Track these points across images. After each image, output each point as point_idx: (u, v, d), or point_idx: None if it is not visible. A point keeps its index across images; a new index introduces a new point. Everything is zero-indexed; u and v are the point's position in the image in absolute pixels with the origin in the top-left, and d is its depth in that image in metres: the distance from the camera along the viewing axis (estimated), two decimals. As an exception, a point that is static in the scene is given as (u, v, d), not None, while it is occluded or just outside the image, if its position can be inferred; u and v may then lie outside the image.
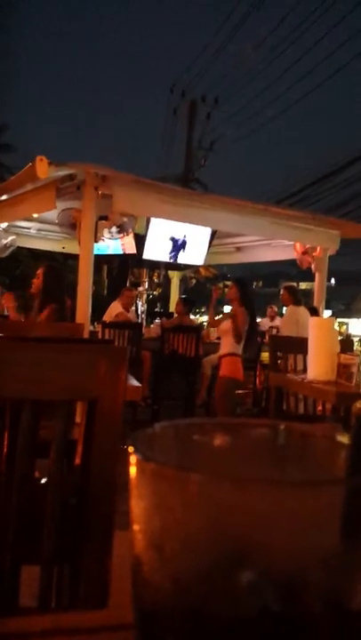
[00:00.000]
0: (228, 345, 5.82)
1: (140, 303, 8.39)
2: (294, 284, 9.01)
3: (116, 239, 7.35)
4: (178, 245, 8.21)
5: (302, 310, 6.85)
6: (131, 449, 0.25)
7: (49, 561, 1.09)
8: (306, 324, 3.76)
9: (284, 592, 0.23)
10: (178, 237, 8.14)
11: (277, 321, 9.11)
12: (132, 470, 0.24)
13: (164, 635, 0.24)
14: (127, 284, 8.85)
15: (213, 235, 8.29)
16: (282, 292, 7.59)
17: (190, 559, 0.23)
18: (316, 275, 7.55)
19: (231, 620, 0.23)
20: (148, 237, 7.77)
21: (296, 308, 6.95)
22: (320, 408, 3.88)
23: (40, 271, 4.80)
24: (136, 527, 0.24)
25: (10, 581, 1.10)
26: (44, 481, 1.28)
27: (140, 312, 8.38)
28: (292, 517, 0.22)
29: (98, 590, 1.05)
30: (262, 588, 0.23)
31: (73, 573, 1.17)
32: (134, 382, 2.39)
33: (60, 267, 5.15)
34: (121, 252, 8.25)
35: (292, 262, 7.97)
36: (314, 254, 7.37)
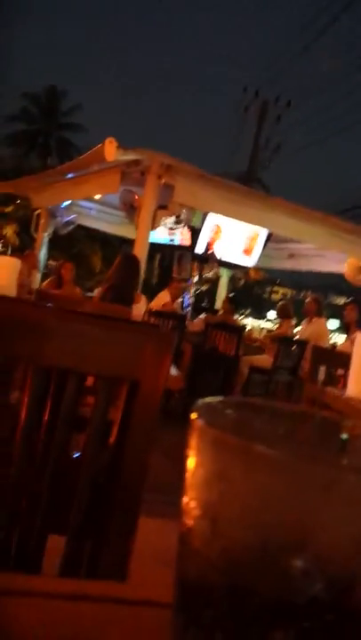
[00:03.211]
0: None
1: (187, 296, 8.40)
2: (343, 298, 8.86)
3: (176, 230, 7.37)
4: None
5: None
6: (194, 415, 0.24)
7: (75, 533, 1.11)
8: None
9: (336, 583, 0.22)
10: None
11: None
12: (194, 437, 0.24)
13: (205, 608, 0.24)
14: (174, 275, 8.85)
15: (269, 237, 8.22)
16: (308, 301, 7.32)
17: (244, 534, 0.22)
18: (369, 291, 7.39)
19: (276, 603, 0.22)
20: (202, 231, 7.76)
21: (320, 319, 6.88)
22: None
23: (116, 261, 4.43)
24: (191, 496, 0.24)
25: (36, 548, 1.12)
26: (76, 456, 1.30)
27: (185, 305, 8.38)
28: (351, 502, 0.21)
29: (118, 566, 1.06)
30: (314, 576, 0.22)
31: (96, 547, 1.18)
32: (175, 372, 2.39)
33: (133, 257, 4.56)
34: (177, 244, 8.27)
35: (343, 276, 7.83)
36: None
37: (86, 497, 1.11)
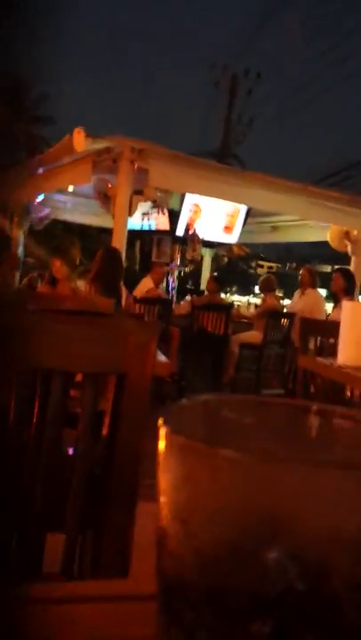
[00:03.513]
0: None
1: (171, 279, 8.39)
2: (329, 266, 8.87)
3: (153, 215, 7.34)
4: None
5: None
6: (160, 421, 0.25)
7: (73, 530, 1.12)
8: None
9: (309, 572, 0.22)
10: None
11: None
12: (161, 443, 0.24)
13: (186, 608, 0.24)
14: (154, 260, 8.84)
15: (248, 212, 8.20)
16: (302, 272, 7.29)
17: (215, 533, 0.23)
18: (353, 258, 7.43)
19: (254, 597, 0.23)
20: (182, 213, 7.73)
21: (315, 290, 6.86)
22: (348, 393, 3.84)
23: (98, 255, 4.61)
24: (162, 499, 0.24)
25: (35, 548, 1.13)
26: (70, 451, 1.30)
27: (170, 288, 8.38)
28: (319, 498, 0.22)
29: (119, 560, 1.07)
30: (287, 567, 0.22)
31: (95, 542, 1.19)
32: (163, 358, 2.40)
33: (114, 251, 4.79)
34: (154, 229, 8.24)
35: (327, 244, 7.84)
36: (351, 237, 7.24)
37: (82, 493, 1.12)
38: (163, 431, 0.24)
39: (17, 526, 1.11)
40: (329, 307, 7.58)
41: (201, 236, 8.17)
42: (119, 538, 1.08)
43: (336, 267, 7.78)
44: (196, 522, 0.23)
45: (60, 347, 1.10)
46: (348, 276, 6.30)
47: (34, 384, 1.18)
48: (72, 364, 1.12)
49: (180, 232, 7.97)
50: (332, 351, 3.77)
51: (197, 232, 8.05)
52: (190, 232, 8.02)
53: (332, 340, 3.84)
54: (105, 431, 1.21)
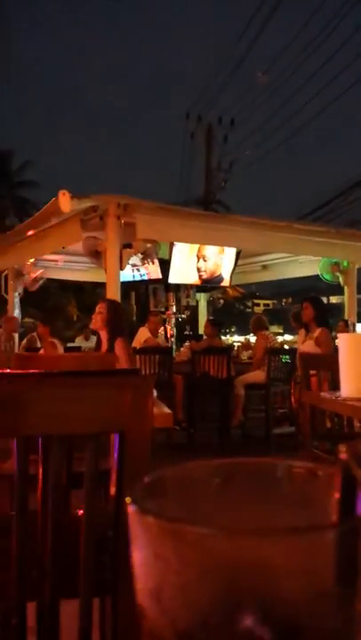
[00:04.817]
0: None
1: (168, 327, 8.42)
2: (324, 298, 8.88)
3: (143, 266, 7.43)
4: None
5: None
6: (128, 500, 0.25)
7: (87, 594, 1.09)
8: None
9: (281, 637, 0.23)
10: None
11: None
12: (130, 521, 0.25)
13: None
14: (152, 309, 8.91)
15: (238, 254, 8.32)
16: (305, 305, 6.76)
17: (188, 608, 0.23)
18: (346, 288, 7.49)
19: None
20: (172, 262, 7.83)
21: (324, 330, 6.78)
22: (358, 425, 3.81)
23: (102, 305, 4.70)
24: (136, 578, 0.25)
25: (49, 618, 1.10)
26: (81, 513, 1.29)
27: (168, 336, 8.40)
28: (284, 564, 0.22)
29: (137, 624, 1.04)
30: (260, 634, 0.23)
31: (112, 606, 1.16)
32: (165, 409, 2.39)
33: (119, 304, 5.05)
34: (146, 279, 8.33)
35: (319, 277, 7.92)
36: (341, 268, 7.32)
37: (91, 554, 1.10)
38: (130, 510, 0.25)
39: (30, 595, 1.09)
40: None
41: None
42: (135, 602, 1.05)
43: (327, 298, 7.73)
44: (168, 598, 0.24)
45: (55, 411, 1.11)
46: (319, 305, 6.06)
47: (34, 450, 1.18)
48: (69, 427, 1.12)
49: (172, 279, 8.05)
50: (336, 384, 3.76)
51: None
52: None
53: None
54: (113, 489, 1.21)
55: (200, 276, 8.21)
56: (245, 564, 0.22)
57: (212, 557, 0.23)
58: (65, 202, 4.95)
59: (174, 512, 0.27)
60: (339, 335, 3.81)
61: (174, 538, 0.23)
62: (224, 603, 0.23)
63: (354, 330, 7.36)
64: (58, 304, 18.34)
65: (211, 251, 7.98)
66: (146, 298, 9.24)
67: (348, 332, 6.18)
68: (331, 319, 7.30)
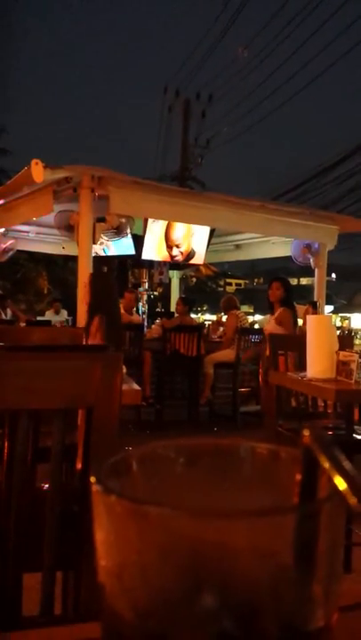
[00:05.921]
0: None
1: (140, 304, 8.39)
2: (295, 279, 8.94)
3: (117, 240, 7.36)
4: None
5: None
6: (93, 479, 0.25)
7: (50, 569, 1.10)
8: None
9: (241, 617, 0.23)
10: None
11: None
12: (94, 500, 0.25)
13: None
14: (128, 286, 8.86)
15: (212, 233, 8.30)
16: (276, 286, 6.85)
17: (148, 588, 0.24)
18: (316, 270, 7.56)
19: (191, 644, 0.24)
20: (146, 238, 7.78)
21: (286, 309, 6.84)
22: (321, 404, 3.89)
23: (87, 280, 4.66)
24: (97, 555, 0.25)
25: (12, 591, 1.11)
26: (47, 487, 1.29)
27: (140, 313, 8.38)
28: (245, 545, 0.23)
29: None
30: (219, 614, 0.23)
31: (75, 581, 1.18)
32: (134, 385, 2.39)
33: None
34: (119, 254, 8.26)
35: (290, 258, 7.97)
36: (312, 250, 7.37)
37: (57, 529, 1.11)
38: (93, 490, 0.25)
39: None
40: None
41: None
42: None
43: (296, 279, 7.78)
44: (129, 577, 0.24)
45: (24, 385, 1.10)
46: (287, 286, 6.17)
47: (2, 424, 1.17)
48: (38, 401, 1.12)
49: (146, 256, 8.01)
50: (302, 365, 3.81)
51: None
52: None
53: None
54: (79, 464, 1.21)
55: (171, 254, 8.18)
56: (206, 546, 0.23)
57: (173, 538, 0.23)
58: (38, 172, 4.84)
59: (138, 492, 0.27)
60: (307, 317, 3.86)
61: (137, 518, 0.23)
62: (185, 583, 0.23)
63: (323, 312, 7.45)
64: (27, 276, 18.06)
65: (180, 230, 7.94)
66: (118, 274, 9.17)
67: (316, 313, 6.24)
68: (301, 300, 7.38)
